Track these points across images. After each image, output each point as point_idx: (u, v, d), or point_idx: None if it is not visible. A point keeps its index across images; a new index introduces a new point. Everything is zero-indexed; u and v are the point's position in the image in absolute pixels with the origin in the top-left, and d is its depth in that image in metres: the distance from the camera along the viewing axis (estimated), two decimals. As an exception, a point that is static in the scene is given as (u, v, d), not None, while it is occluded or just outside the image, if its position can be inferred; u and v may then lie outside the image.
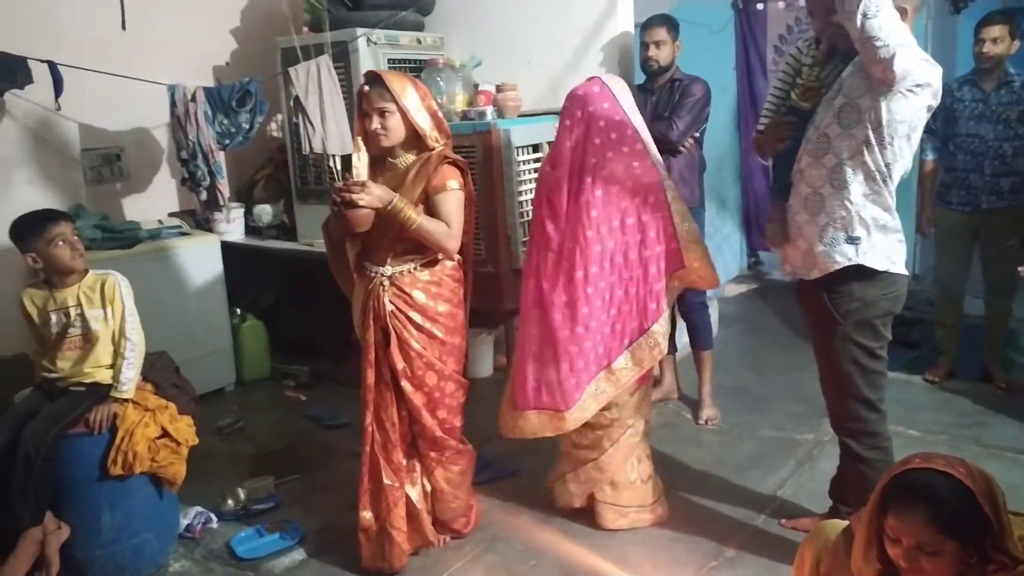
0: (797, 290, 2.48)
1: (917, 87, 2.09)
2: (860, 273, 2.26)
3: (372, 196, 2.31)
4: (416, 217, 2.36)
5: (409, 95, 2.40)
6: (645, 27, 3.47)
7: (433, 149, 2.47)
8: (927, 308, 4.97)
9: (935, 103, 2.18)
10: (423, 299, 2.48)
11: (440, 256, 2.51)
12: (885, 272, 2.26)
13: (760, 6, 5.54)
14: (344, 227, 2.40)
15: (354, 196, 2.29)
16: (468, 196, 2.53)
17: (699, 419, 3.62)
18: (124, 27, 2.94)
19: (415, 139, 2.46)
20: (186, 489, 2.75)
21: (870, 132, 2.15)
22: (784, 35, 5.73)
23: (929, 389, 3.86)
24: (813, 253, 2.32)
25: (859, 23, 1.98)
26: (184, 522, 2.82)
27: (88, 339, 2.58)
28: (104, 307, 2.59)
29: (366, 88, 2.43)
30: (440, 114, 2.52)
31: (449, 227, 2.43)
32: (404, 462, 2.57)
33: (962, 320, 3.94)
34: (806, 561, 1.72)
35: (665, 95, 3.45)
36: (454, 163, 2.48)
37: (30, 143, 3.83)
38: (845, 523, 1.67)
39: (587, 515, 2.77)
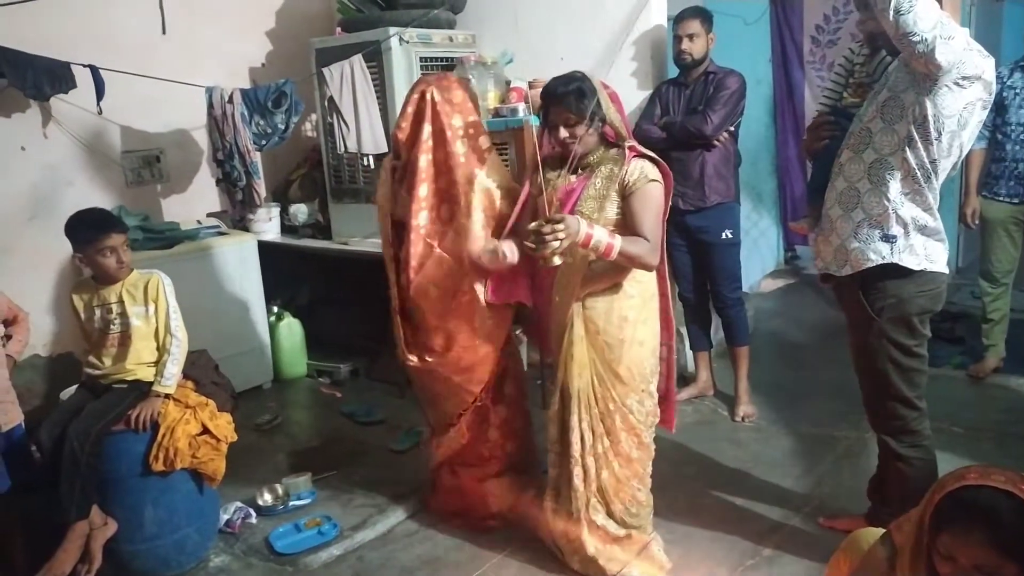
0: (835, 286, 2.43)
1: (965, 79, 2.02)
2: (895, 270, 2.20)
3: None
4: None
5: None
6: (678, 20, 3.43)
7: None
8: (972, 302, 4.86)
9: (989, 97, 2.09)
10: None
11: None
12: (922, 270, 2.20)
13: (796, -4, 5.44)
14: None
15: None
16: None
17: (735, 416, 3.58)
18: (164, 31, 3.00)
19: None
20: (226, 485, 2.80)
21: (913, 128, 2.09)
22: (821, 25, 5.61)
23: (974, 385, 3.77)
24: (846, 249, 2.27)
25: (892, 19, 1.93)
26: (224, 517, 2.87)
27: (128, 335, 2.64)
28: (146, 304, 2.65)
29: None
30: None
31: None
32: None
33: (1007, 314, 3.84)
34: (842, 571, 1.68)
35: (699, 88, 3.41)
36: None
37: (73, 146, 3.92)
38: (881, 531, 1.62)
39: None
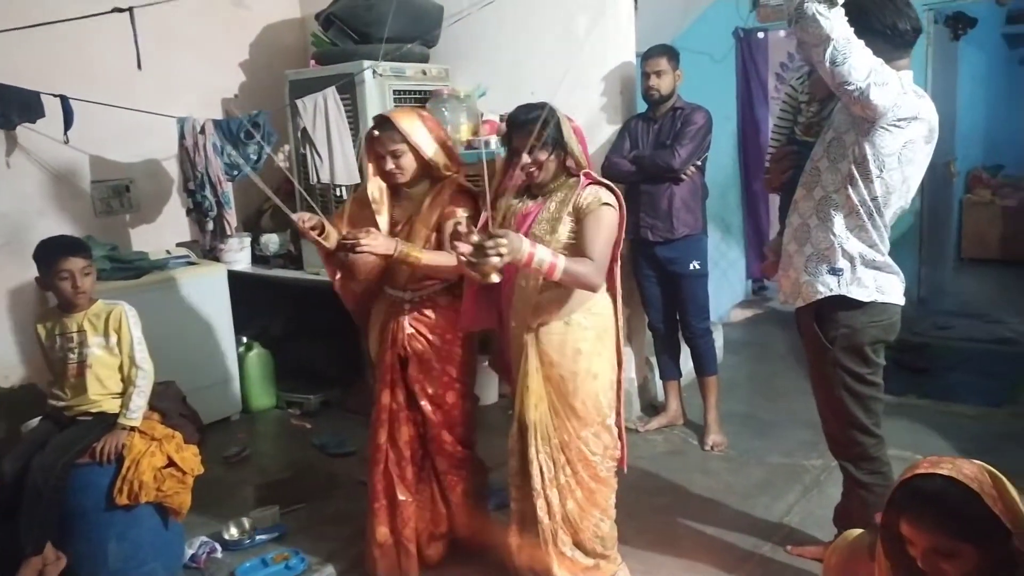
0: (795, 317, 2.50)
1: (902, 121, 2.12)
2: (846, 302, 2.28)
3: (379, 242, 2.34)
4: (421, 255, 2.41)
5: (419, 132, 2.48)
6: (646, 57, 3.52)
7: (446, 177, 2.55)
8: (935, 332, 4.97)
9: (930, 133, 2.20)
10: (443, 322, 2.57)
11: (455, 277, 2.58)
12: (873, 301, 2.27)
13: (761, 35, 5.60)
14: (346, 271, 2.50)
15: (362, 240, 2.30)
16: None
17: (705, 445, 3.61)
18: (140, 67, 3.03)
19: (427, 169, 2.54)
20: (191, 518, 2.75)
21: (853, 167, 2.19)
22: (785, 63, 5.79)
23: (937, 414, 3.83)
24: (799, 283, 2.35)
25: (828, 69, 2.05)
26: (189, 552, 2.81)
27: (87, 365, 2.60)
28: (107, 335, 2.62)
29: (376, 132, 2.50)
30: (450, 143, 2.61)
31: (453, 256, 2.46)
32: (414, 481, 2.65)
33: None
34: (830, 563, 1.78)
35: (667, 123, 3.49)
36: (467, 190, 2.56)
37: (41, 175, 3.89)
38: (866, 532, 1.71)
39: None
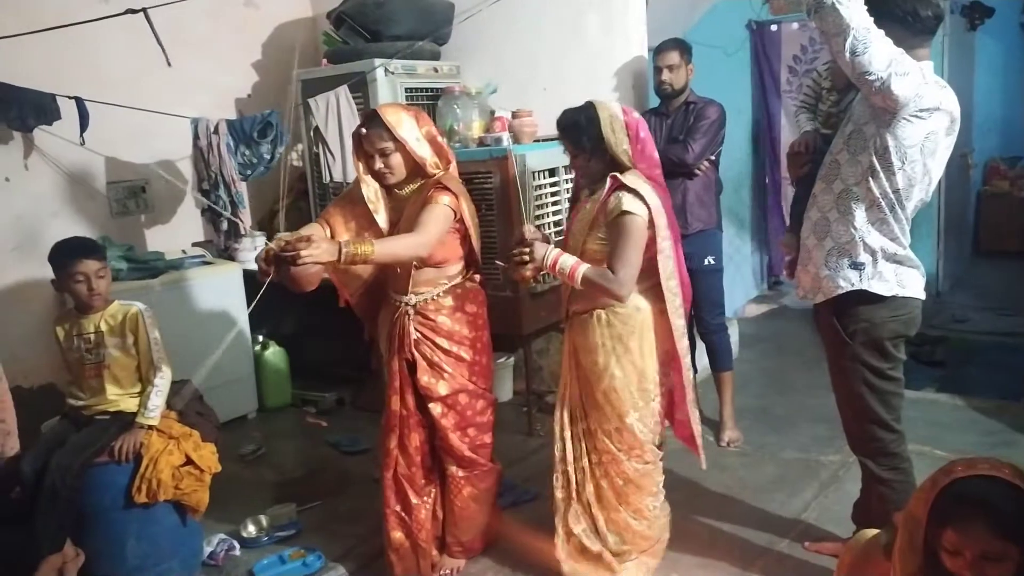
0: (813, 312, 2.48)
1: (923, 111, 2.09)
2: (867, 296, 2.25)
3: (321, 250, 2.16)
4: (372, 247, 2.25)
5: (406, 126, 2.42)
6: (658, 52, 3.50)
7: (434, 176, 2.50)
8: (952, 326, 4.92)
9: (952, 124, 2.17)
10: (449, 324, 2.54)
11: (460, 279, 2.56)
12: (894, 296, 2.25)
13: (774, 27, 5.56)
14: (291, 284, 2.32)
15: (302, 252, 2.12)
16: (460, 219, 2.50)
17: (721, 441, 3.59)
18: (169, 64, 3.05)
19: (417, 168, 2.49)
20: (209, 516, 2.77)
21: (875, 159, 2.16)
22: (798, 55, 5.74)
23: (955, 408, 3.79)
24: (819, 277, 2.33)
25: (848, 60, 2.03)
26: (207, 549, 2.83)
27: (104, 366, 2.63)
28: (124, 336, 2.64)
29: (363, 130, 2.46)
30: (440, 139, 2.55)
31: (419, 233, 2.36)
32: (423, 483, 2.66)
33: None
34: (844, 562, 1.77)
35: (680, 118, 3.47)
36: (447, 188, 2.47)
37: (57, 177, 3.92)
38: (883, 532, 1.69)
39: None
